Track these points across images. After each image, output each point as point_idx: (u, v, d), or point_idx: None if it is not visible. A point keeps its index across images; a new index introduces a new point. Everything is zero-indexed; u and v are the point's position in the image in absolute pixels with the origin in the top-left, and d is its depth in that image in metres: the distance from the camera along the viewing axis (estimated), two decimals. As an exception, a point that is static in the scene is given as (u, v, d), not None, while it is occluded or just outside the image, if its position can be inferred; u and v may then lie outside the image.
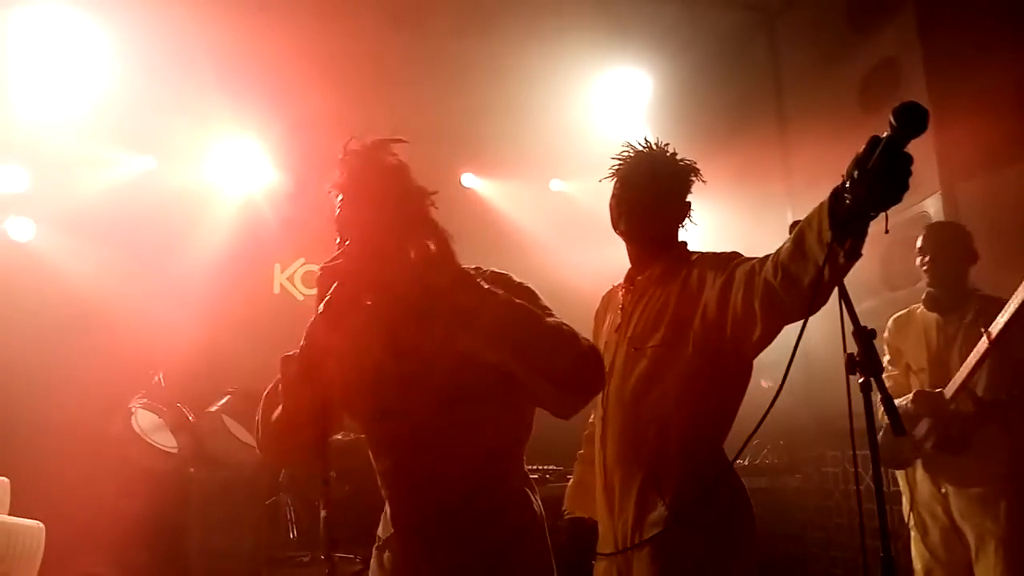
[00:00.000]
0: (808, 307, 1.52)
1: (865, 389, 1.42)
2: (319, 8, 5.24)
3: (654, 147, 2.10)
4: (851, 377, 1.45)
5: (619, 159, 2.11)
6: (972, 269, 3.04)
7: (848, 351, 1.45)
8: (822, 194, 1.46)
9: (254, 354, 5.53)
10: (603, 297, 2.27)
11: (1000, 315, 2.63)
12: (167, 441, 4.56)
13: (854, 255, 1.42)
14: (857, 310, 1.59)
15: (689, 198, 2.13)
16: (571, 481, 2.25)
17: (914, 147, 1.27)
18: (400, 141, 1.59)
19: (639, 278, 2.10)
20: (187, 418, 4.64)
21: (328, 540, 1.42)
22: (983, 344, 2.68)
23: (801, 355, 1.50)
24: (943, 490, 2.91)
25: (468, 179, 6.71)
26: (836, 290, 1.58)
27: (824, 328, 1.60)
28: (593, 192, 2.16)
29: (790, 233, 1.84)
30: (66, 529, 3.88)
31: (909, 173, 1.28)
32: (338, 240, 1.55)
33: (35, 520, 3.72)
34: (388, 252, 1.47)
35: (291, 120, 6.28)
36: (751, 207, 5.41)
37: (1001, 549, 2.71)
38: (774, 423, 1.55)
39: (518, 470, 1.66)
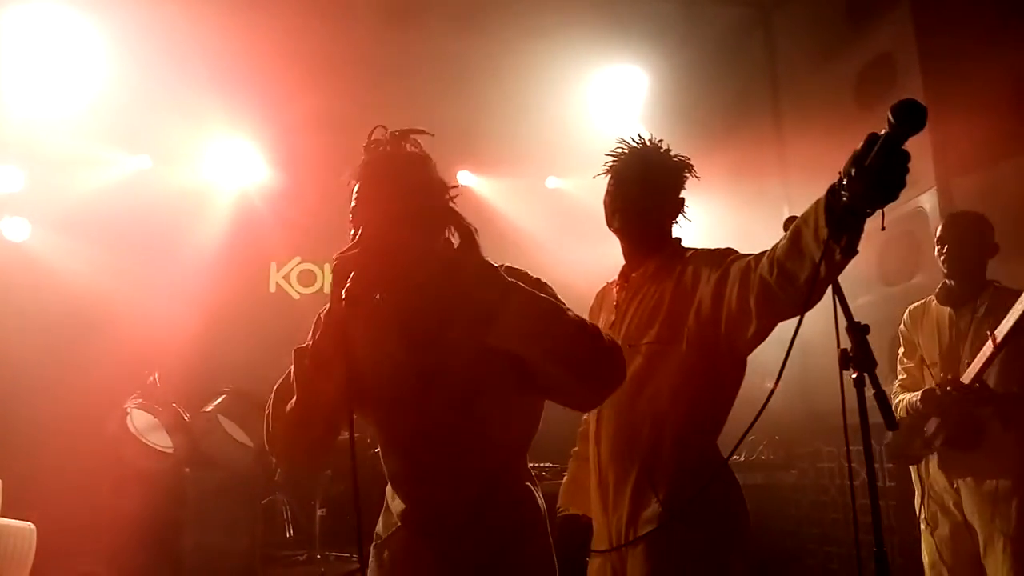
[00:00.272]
0: (804, 304, 1.52)
1: (859, 385, 1.41)
2: (314, 7, 5.23)
3: (648, 144, 2.09)
4: (845, 373, 1.44)
5: (613, 156, 2.10)
6: (991, 262, 2.97)
7: (842, 347, 1.44)
8: (818, 189, 1.45)
9: (250, 353, 5.53)
10: (597, 294, 2.26)
11: (1006, 319, 2.60)
12: (162, 441, 4.55)
13: (850, 252, 1.42)
14: (853, 305, 1.58)
15: (684, 194, 2.12)
16: (565, 478, 2.25)
17: (910, 143, 1.26)
18: (422, 132, 1.59)
19: (633, 275, 2.09)
20: (182, 418, 4.63)
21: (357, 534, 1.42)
22: (988, 347, 2.66)
23: (797, 351, 1.49)
24: (955, 485, 2.87)
25: (464, 176, 6.71)
26: (830, 285, 1.57)
27: (820, 324, 1.59)
28: (589, 189, 2.15)
29: (785, 229, 1.83)
30: (61, 529, 3.88)
31: (906, 171, 1.28)
32: (353, 231, 1.52)
33: (26, 521, 3.71)
34: (407, 243, 1.46)
35: (286, 119, 6.26)
36: (748, 202, 5.41)
37: (1010, 547, 2.67)
38: (770, 419, 1.55)
39: (525, 466, 1.66)
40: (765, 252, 1.69)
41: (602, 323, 2.13)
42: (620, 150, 2.09)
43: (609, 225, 2.11)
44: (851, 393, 1.44)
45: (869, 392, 1.42)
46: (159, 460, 4.56)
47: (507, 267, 1.54)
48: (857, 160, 1.30)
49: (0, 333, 5.05)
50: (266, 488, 4.99)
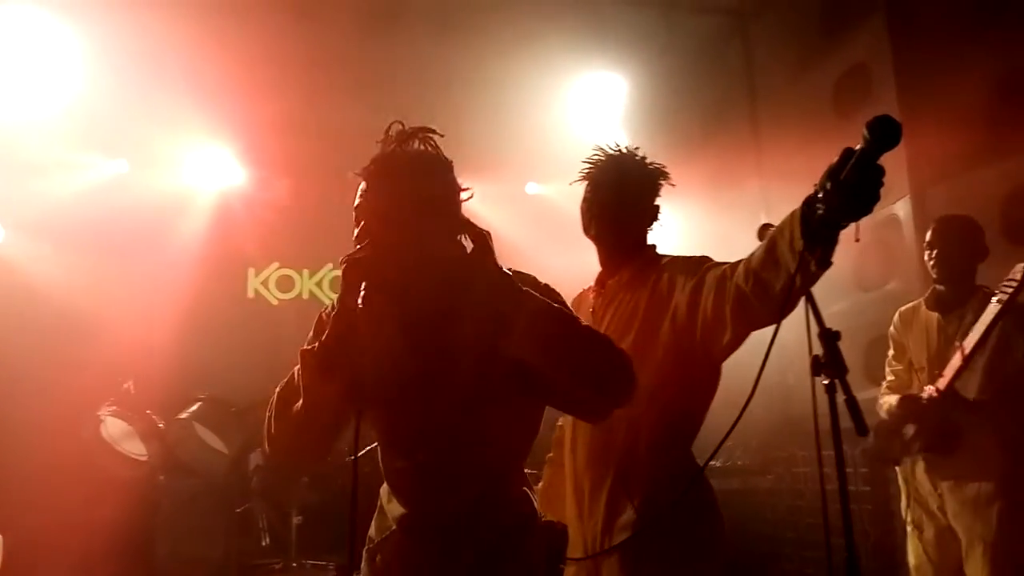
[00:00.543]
0: (780, 313, 1.53)
1: (830, 391, 1.42)
2: (294, 12, 5.21)
3: (624, 151, 2.10)
4: (817, 379, 1.45)
5: (589, 163, 2.11)
6: (980, 266, 2.98)
7: (814, 353, 1.46)
8: (795, 197, 1.47)
9: (227, 360, 5.49)
10: (574, 300, 2.27)
11: (972, 331, 2.63)
12: (136, 449, 4.49)
13: (825, 263, 1.44)
14: (829, 312, 1.60)
15: (661, 201, 2.13)
16: (540, 485, 2.24)
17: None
18: (434, 132, 1.58)
19: (609, 282, 2.10)
20: (157, 425, 4.56)
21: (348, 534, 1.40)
22: (957, 358, 2.68)
23: (774, 357, 1.50)
24: (939, 489, 2.89)
25: (443, 182, 6.67)
26: (803, 292, 1.59)
27: (797, 330, 1.61)
28: (569, 195, 2.16)
29: (759, 236, 1.85)
30: (31, 538, 3.82)
31: (881, 185, 1.31)
32: (357, 229, 1.52)
33: (-5, 531, 3.65)
34: (418, 246, 1.46)
35: (266, 124, 6.24)
36: (726, 209, 5.45)
37: (989, 553, 2.70)
38: (746, 424, 1.56)
39: (522, 469, 1.66)
40: (740, 261, 1.71)
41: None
42: (596, 157, 2.10)
43: (586, 232, 2.11)
44: (825, 399, 1.45)
45: (842, 397, 1.43)
46: (133, 468, 4.49)
47: (515, 271, 1.54)
48: (833, 174, 1.33)
49: (-28, 339, 4.97)
50: (242, 496, 4.93)
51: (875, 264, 4.28)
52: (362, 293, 1.38)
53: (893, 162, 1.29)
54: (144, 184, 6.18)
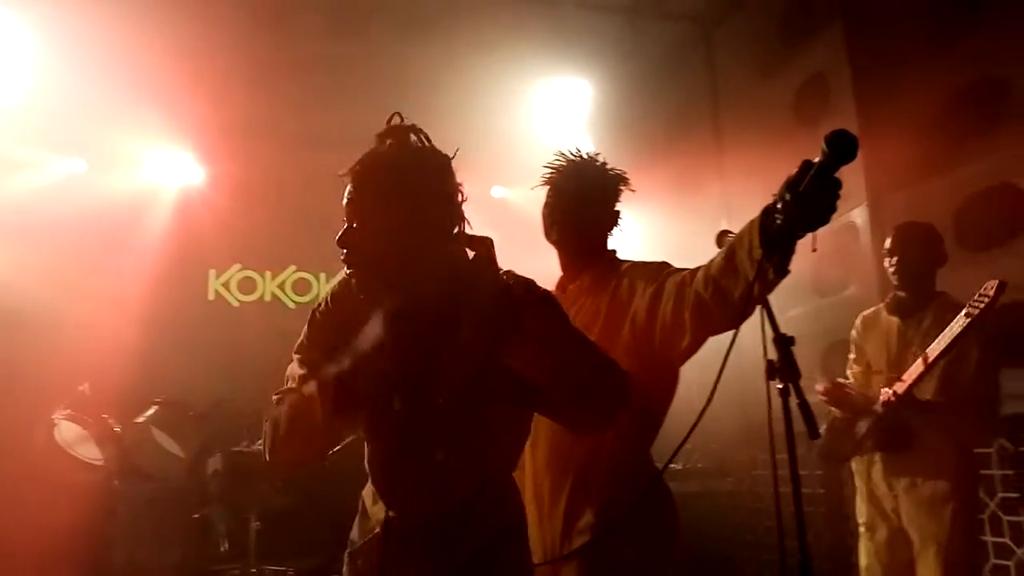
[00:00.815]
0: (738, 319, 1.56)
1: (784, 395, 1.45)
2: (258, 14, 5.15)
3: (584, 157, 2.11)
4: (771, 383, 1.48)
5: (550, 168, 2.12)
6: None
7: (768, 358, 1.48)
8: (756, 203, 1.50)
9: (186, 363, 5.41)
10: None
11: (938, 340, 2.66)
12: (91, 453, 4.40)
13: (782, 272, 1.47)
14: (787, 316, 1.63)
15: (623, 206, 2.15)
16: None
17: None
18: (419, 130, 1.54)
19: (570, 286, 2.10)
20: (113, 429, 4.49)
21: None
22: (919, 366, 2.72)
23: (733, 361, 1.52)
24: (894, 491, 2.93)
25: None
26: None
27: (756, 334, 1.63)
28: (533, 199, 2.17)
29: (718, 242, 1.88)
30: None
31: (838, 197, 1.34)
32: (346, 225, 1.48)
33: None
34: (413, 253, 1.44)
35: (228, 125, 6.16)
36: (688, 214, 5.51)
37: (941, 554, 2.74)
38: (706, 428, 1.58)
39: (510, 474, 1.65)
40: (699, 267, 1.73)
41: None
42: (558, 162, 2.11)
43: (547, 237, 2.12)
44: (777, 403, 1.47)
45: (796, 402, 1.45)
46: (88, 473, 4.41)
47: (513, 275, 1.51)
48: (791, 185, 1.36)
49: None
50: (199, 501, 4.87)
51: (833, 270, 4.36)
52: (393, 337, 1.38)
53: (851, 170, 1.32)
54: (102, 184, 6.08)
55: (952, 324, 2.61)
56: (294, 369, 1.62)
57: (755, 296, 1.52)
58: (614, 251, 2.13)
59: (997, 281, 2.51)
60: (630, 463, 1.94)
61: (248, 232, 6.49)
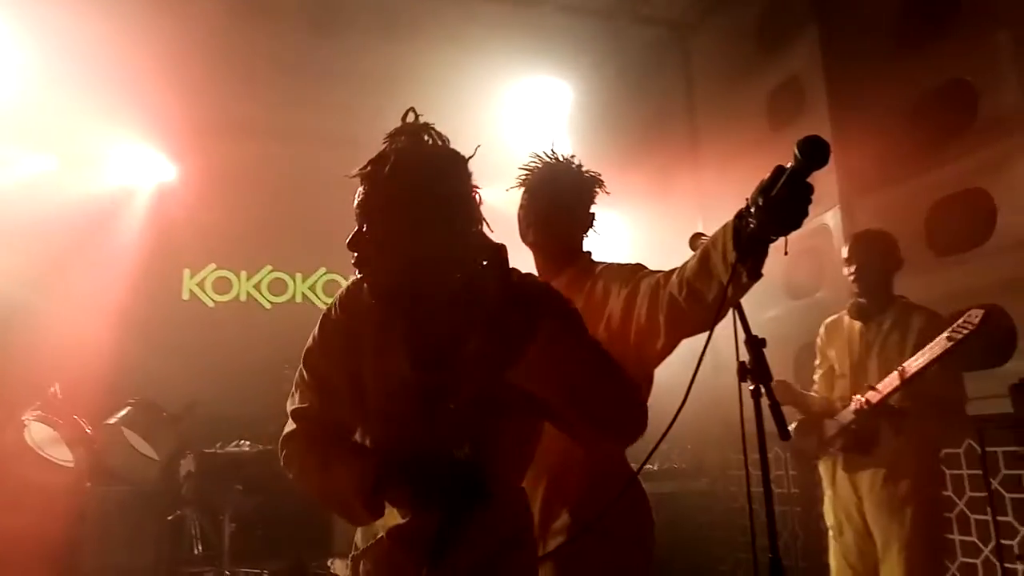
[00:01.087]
0: (712, 322, 1.57)
1: (755, 396, 1.46)
2: (235, 11, 5.11)
3: (559, 159, 2.12)
4: (743, 384, 1.50)
5: (525, 170, 2.12)
6: (905, 276, 3.12)
7: (740, 360, 1.50)
8: (730, 205, 1.52)
9: (159, 362, 5.35)
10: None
11: (916, 358, 2.72)
12: (62, 454, 4.33)
13: (755, 275, 1.49)
14: (761, 318, 1.65)
15: (600, 208, 2.15)
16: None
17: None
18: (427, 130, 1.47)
19: (546, 288, 2.11)
20: (84, 430, 4.41)
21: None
22: (895, 378, 2.78)
23: (709, 362, 1.54)
24: (858, 493, 3.00)
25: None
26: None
27: (732, 336, 1.65)
28: (513, 200, 2.16)
29: (691, 245, 1.90)
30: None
31: (809, 202, 1.36)
32: (358, 227, 1.42)
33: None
34: (429, 254, 1.40)
35: (203, 122, 6.11)
36: (664, 215, 5.54)
37: (904, 553, 2.80)
38: (681, 428, 1.59)
39: (520, 480, 1.61)
40: (674, 270, 1.74)
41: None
42: (533, 164, 2.12)
43: (523, 239, 2.12)
44: (749, 404, 1.49)
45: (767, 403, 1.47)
46: (58, 474, 4.34)
47: (527, 279, 1.48)
48: (764, 190, 1.38)
49: None
50: (173, 503, 4.82)
51: (805, 273, 4.41)
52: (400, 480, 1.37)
53: (823, 173, 1.34)
54: (74, 181, 5.99)
55: (933, 344, 2.67)
56: (303, 378, 1.59)
57: (728, 299, 1.54)
58: (589, 252, 2.14)
59: (983, 311, 2.58)
60: (605, 464, 1.95)
61: (223, 231, 6.43)
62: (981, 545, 3.40)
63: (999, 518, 3.31)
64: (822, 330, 3.27)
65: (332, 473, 1.49)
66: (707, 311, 1.59)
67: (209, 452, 5.04)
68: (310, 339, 1.58)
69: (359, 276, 1.47)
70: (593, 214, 2.13)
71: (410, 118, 1.48)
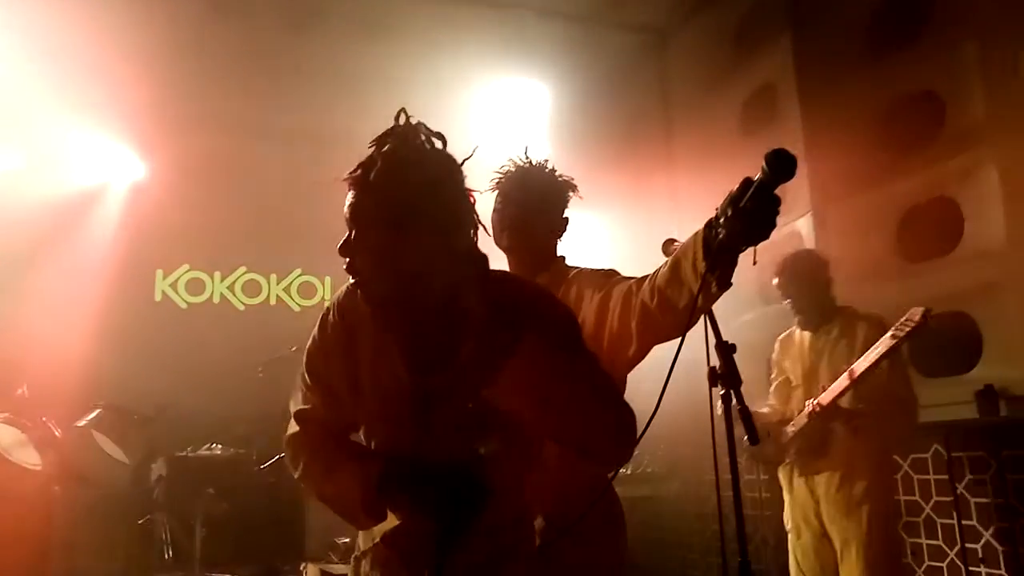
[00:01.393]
0: (683, 329, 1.59)
1: (725, 400, 1.48)
2: (209, 6, 5.07)
3: (533, 164, 2.13)
4: (714, 389, 1.51)
5: (500, 174, 2.13)
6: (833, 287, 3.23)
7: (711, 364, 1.52)
8: (705, 209, 1.54)
9: (131, 365, 5.30)
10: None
11: (863, 358, 2.82)
12: (30, 458, 4.27)
13: (725, 284, 1.51)
14: (735, 323, 1.67)
15: (576, 211, 2.17)
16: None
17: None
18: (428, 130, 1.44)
19: (520, 292, 2.12)
20: (53, 433, 4.36)
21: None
22: (845, 379, 2.87)
23: (682, 366, 1.55)
24: (815, 496, 3.09)
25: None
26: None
27: (704, 341, 1.67)
28: (489, 202, 2.16)
29: (663, 250, 1.91)
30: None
31: (777, 213, 1.38)
32: (349, 233, 1.38)
33: None
34: (422, 267, 1.37)
35: (177, 120, 6.05)
36: (640, 217, 5.58)
37: (862, 551, 2.89)
38: (655, 432, 1.60)
39: (520, 490, 1.58)
40: (646, 277, 1.76)
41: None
42: (507, 168, 2.13)
43: (497, 243, 2.13)
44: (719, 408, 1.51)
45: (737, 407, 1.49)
46: (26, 478, 4.27)
47: (521, 285, 1.46)
48: (733, 201, 1.40)
49: None
50: (143, 507, 4.77)
51: (778, 278, 4.44)
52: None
53: (796, 180, 1.37)
54: (43, 179, 5.91)
55: (878, 343, 2.78)
56: (304, 380, 1.59)
57: (699, 307, 1.56)
58: (563, 257, 2.15)
59: (923, 308, 2.70)
60: (578, 467, 1.95)
61: (197, 232, 6.37)
62: (947, 549, 3.45)
63: (964, 522, 3.37)
64: (776, 345, 3.39)
65: (334, 477, 1.49)
66: (678, 319, 1.61)
67: (180, 456, 4.99)
68: (310, 340, 1.58)
69: (352, 283, 1.45)
70: (567, 218, 2.15)
71: (401, 119, 1.44)
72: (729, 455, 1.47)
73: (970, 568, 3.33)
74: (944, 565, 3.46)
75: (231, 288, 6.81)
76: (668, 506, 5.03)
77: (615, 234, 5.71)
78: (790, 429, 3.10)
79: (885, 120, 4.03)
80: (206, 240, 6.48)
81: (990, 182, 3.40)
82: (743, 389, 1.57)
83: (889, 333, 2.74)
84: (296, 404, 1.60)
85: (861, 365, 2.81)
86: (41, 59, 4.95)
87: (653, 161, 5.62)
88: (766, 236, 1.40)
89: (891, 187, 3.88)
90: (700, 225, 1.56)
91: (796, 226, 4.26)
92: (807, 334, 3.21)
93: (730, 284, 1.51)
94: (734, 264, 1.49)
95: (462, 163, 1.46)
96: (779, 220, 1.41)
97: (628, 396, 2.02)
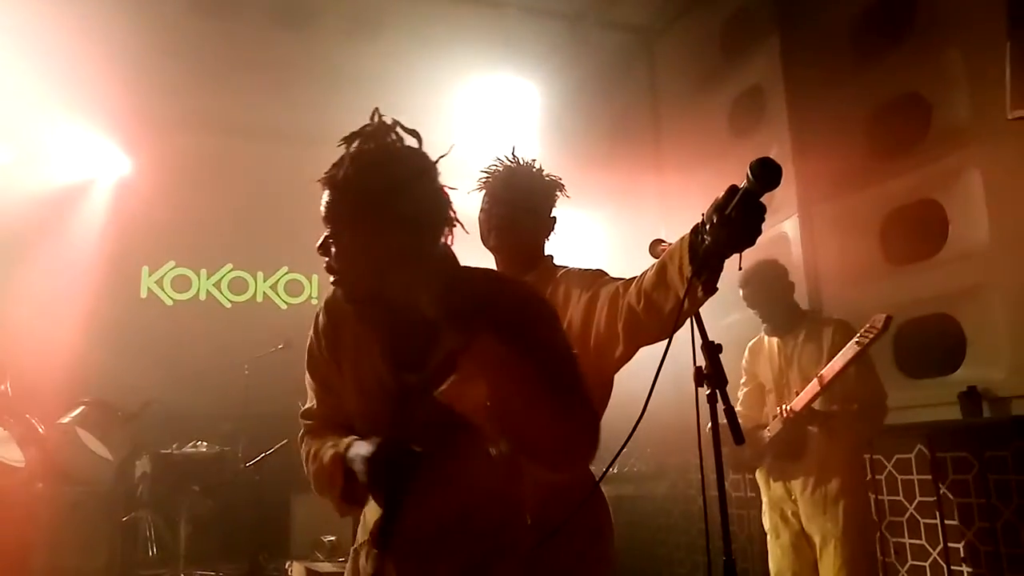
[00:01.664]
0: (670, 332, 1.60)
1: (711, 400, 1.49)
2: (198, 5, 5.04)
3: (521, 163, 2.13)
4: (700, 389, 1.52)
5: (487, 173, 2.13)
6: (794, 293, 3.33)
7: (697, 365, 1.52)
8: (693, 209, 1.54)
9: (115, 361, 5.26)
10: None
11: (832, 363, 2.91)
12: (12, 454, 4.23)
13: (711, 289, 1.53)
14: (722, 324, 1.68)
15: (564, 210, 2.17)
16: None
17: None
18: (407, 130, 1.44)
19: (507, 291, 2.11)
20: (36, 429, 4.33)
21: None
22: (815, 385, 2.95)
23: (669, 367, 1.56)
24: (792, 496, 3.15)
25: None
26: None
27: (691, 342, 1.68)
28: (478, 201, 2.16)
29: (650, 251, 1.92)
30: None
31: (763, 220, 1.39)
32: (327, 235, 1.39)
33: None
34: (397, 267, 1.37)
35: (164, 117, 6.02)
36: (628, 217, 5.59)
37: (839, 546, 2.96)
38: (642, 432, 1.61)
39: (515, 486, 1.55)
40: (633, 279, 1.77)
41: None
42: (494, 167, 2.13)
43: (484, 243, 2.12)
44: (705, 408, 1.52)
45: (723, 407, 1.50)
46: (8, 475, 4.24)
47: (497, 280, 1.47)
48: (719, 208, 1.41)
49: None
50: (127, 504, 4.74)
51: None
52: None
53: (783, 182, 1.37)
54: (29, 175, 5.87)
55: (844, 350, 2.87)
56: (307, 379, 1.62)
57: (685, 311, 1.57)
58: (551, 256, 2.15)
59: (885, 315, 2.79)
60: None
61: (183, 229, 6.35)
62: (929, 548, 3.49)
63: (947, 522, 3.41)
64: (746, 352, 3.43)
65: (318, 466, 1.51)
66: (664, 322, 1.62)
67: (165, 453, 4.97)
68: (309, 339, 1.59)
69: (331, 282, 1.46)
70: (554, 218, 2.14)
71: (375, 118, 1.44)
72: (715, 455, 1.47)
73: (952, 567, 3.36)
74: (927, 564, 3.49)
75: (217, 285, 6.78)
76: (654, 505, 5.04)
77: (603, 233, 5.72)
78: (766, 434, 3.16)
79: (871, 122, 4.06)
80: (192, 237, 6.45)
81: (975, 184, 3.43)
82: (729, 389, 1.58)
83: (855, 339, 2.84)
84: (303, 404, 1.64)
85: (830, 372, 2.90)
86: (27, 55, 4.91)
87: (641, 160, 5.63)
88: (751, 243, 1.41)
89: (876, 189, 3.91)
90: (688, 225, 1.57)
91: (783, 228, 4.28)
92: (775, 340, 3.29)
93: (716, 289, 1.52)
94: (720, 269, 1.50)
95: (437, 161, 1.45)
96: (766, 221, 1.42)
97: (615, 397, 2.04)
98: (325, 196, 1.40)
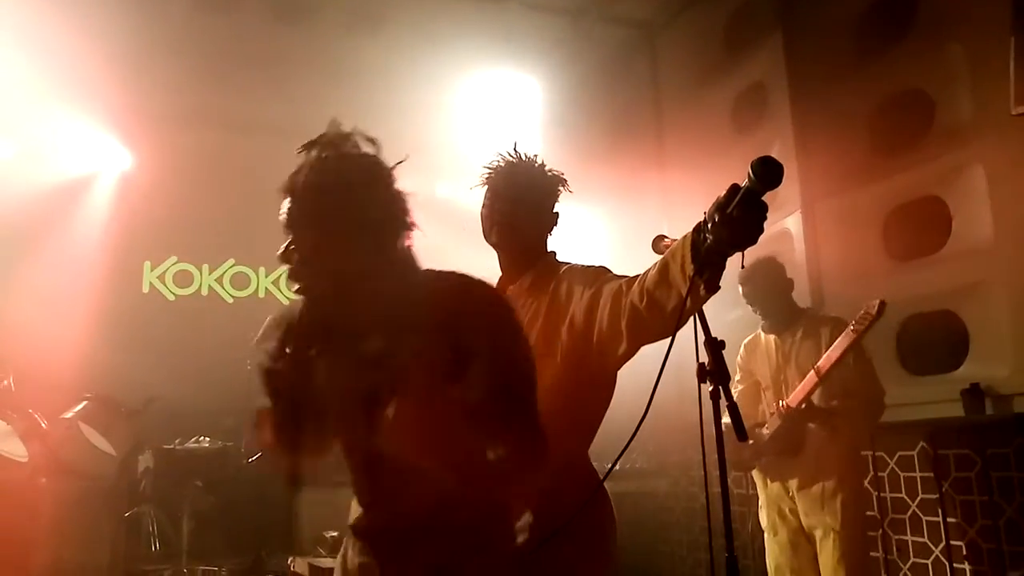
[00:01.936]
0: (673, 330, 1.60)
1: (714, 397, 1.49)
2: (201, 1, 5.04)
3: (523, 158, 2.12)
4: (703, 385, 1.52)
5: (489, 168, 2.12)
6: (793, 290, 3.35)
7: (700, 361, 1.52)
8: (695, 204, 1.54)
9: (118, 356, 5.27)
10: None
11: (826, 355, 2.91)
12: (15, 449, 4.24)
13: (713, 287, 1.52)
14: (725, 320, 1.67)
15: (565, 206, 2.16)
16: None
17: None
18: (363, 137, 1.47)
19: (510, 288, 2.11)
20: (39, 424, 4.33)
21: None
22: (812, 377, 2.95)
23: (672, 364, 1.56)
24: (790, 493, 3.16)
25: (352, 181, 6.58)
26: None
27: (694, 339, 1.68)
28: (479, 198, 2.16)
29: (652, 247, 1.91)
30: None
31: (764, 219, 1.39)
32: (288, 242, 1.44)
33: None
34: (354, 274, 1.40)
35: (165, 112, 6.02)
36: (631, 212, 5.58)
37: (838, 540, 2.98)
38: (644, 428, 1.61)
39: (488, 488, 1.53)
40: (636, 277, 1.76)
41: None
42: (496, 163, 2.12)
43: (487, 239, 2.12)
44: (708, 404, 1.51)
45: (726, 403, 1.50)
46: (11, 470, 4.24)
47: (466, 283, 1.46)
48: (720, 207, 1.40)
49: None
50: (130, 499, 4.75)
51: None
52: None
53: (786, 178, 1.37)
54: (31, 170, 5.87)
55: (840, 339, 2.88)
56: None
57: (687, 310, 1.57)
58: (553, 253, 2.14)
59: (879, 301, 2.79)
60: (568, 464, 1.96)
61: (185, 224, 6.35)
62: (932, 546, 3.48)
63: (949, 519, 3.41)
64: (742, 349, 3.43)
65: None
66: (667, 320, 1.62)
67: (168, 448, 4.98)
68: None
69: (294, 290, 1.49)
70: (557, 214, 2.14)
71: (332, 128, 1.48)
72: (717, 451, 1.47)
73: (955, 565, 3.36)
74: (929, 562, 3.49)
75: (219, 280, 6.79)
76: (656, 502, 5.05)
77: (605, 229, 5.71)
78: (764, 431, 3.15)
79: (874, 118, 4.05)
80: (194, 232, 6.46)
81: (978, 181, 3.42)
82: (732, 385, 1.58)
83: (850, 327, 2.84)
84: None
85: (827, 363, 2.91)
86: (29, 51, 4.92)
87: (644, 156, 5.63)
88: (754, 241, 1.41)
89: (880, 185, 3.90)
90: (690, 221, 1.56)
91: (786, 224, 4.28)
92: (772, 337, 3.29)
93: (718, 287, 1.52)
94: (722, 268, 1.50)
95: (394, 167, 1.48)
96: (769, 217, 1.42)
97: (617, 393, 2.04)
98: (284, 203, 1.46)
